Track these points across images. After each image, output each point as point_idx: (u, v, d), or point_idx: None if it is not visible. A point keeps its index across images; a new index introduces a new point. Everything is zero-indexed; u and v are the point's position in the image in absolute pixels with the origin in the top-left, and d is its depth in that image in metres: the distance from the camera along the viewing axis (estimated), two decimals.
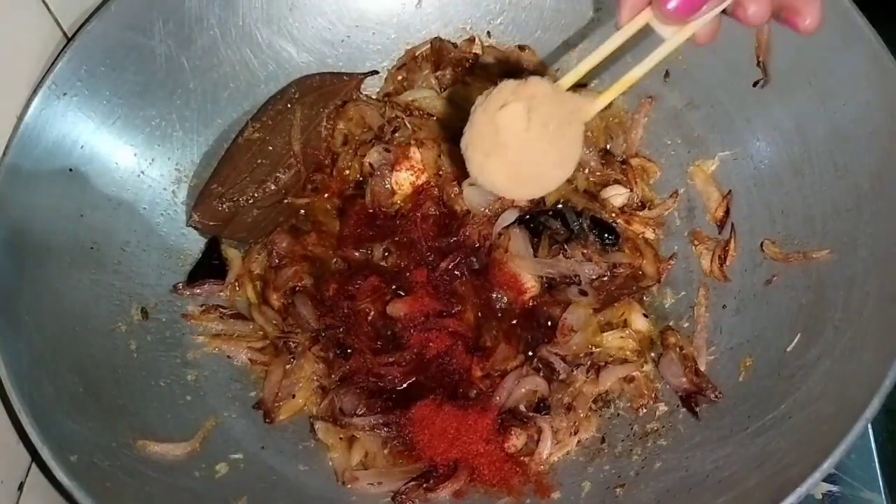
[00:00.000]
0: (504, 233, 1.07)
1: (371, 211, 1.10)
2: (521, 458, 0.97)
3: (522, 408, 0.99)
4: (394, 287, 1.04)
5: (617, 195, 1.11)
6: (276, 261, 1.08)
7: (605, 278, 1.05)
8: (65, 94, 0.99)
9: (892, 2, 1.09)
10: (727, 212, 1.07)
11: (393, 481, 0.95)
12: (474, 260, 1.06)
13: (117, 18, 1.02)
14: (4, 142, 0.94)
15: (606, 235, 1.07)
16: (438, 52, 1.19)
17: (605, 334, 1.02)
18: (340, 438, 0.97)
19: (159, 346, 1.02)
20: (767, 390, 0.92)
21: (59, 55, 0.99)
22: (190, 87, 1.11)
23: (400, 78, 1.20)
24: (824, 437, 0.80)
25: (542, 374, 1.00)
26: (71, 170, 1.00)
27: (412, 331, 1.02)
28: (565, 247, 1.05)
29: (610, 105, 1.16)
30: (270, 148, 1.13)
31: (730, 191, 1.08)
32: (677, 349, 1.02)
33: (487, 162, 0.78)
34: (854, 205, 0.95)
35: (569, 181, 0.94)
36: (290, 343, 1.02)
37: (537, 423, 0.97)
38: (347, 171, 1.15)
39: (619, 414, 1.01)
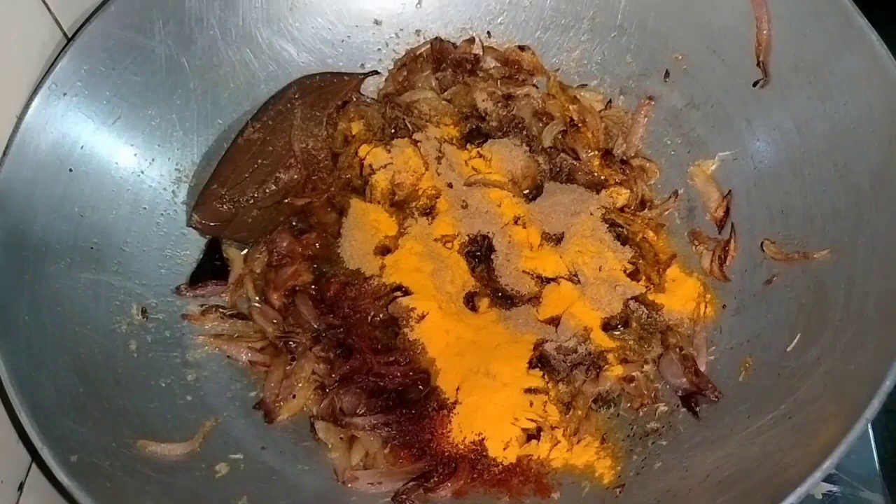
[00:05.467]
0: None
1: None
2: (522, 458, 0.97)
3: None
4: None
5: (617, 195, 1.11)
6: (277, 260, 1.08)
7: None
8: (65, 94, 0.99)
9: (892, 2, 1.09)
10: (727, 212, 1.07)
11: (393, 481, 0.95)
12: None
13: (117, 18, 1.02)
14: (4, 142, 0.94)
15: None
16: (439, 53, 1.19)
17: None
18: (340, 438, 0.97)
19: (159, 346, 1.02)
20: (767, 390, 0.92)
21: (59, 55, 0.99)
22: (190, 87, 1.11)
23: (401, 78, 1.20)
24: (824, 437, 0.80)
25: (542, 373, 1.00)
26: (71, 170, 1.00)
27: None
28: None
29: (610, 105, 1.18)
30: (270, 148, 1.13)
31: (730, 191, 1.08)
32: (677, 349, 1.02)
33: None
34: (854, 205, 0.95)
35: None
36: (291, 343, 1.02)
37: (537, 423, 0.97)
38: (348, 172, 1.15)
39: (619, 414, 1.01)
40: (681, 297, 1.05)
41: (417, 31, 1.21)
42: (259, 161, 1.12)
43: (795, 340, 0.93)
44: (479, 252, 1.09)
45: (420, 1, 1.20)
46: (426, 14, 1.21)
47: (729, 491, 0.84)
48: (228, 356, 1.04)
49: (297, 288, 1.07)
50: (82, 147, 1.01)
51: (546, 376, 1.00)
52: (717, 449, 0.90)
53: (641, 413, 1.00)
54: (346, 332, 1.03)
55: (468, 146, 1.15)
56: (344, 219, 1.10)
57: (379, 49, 1.21)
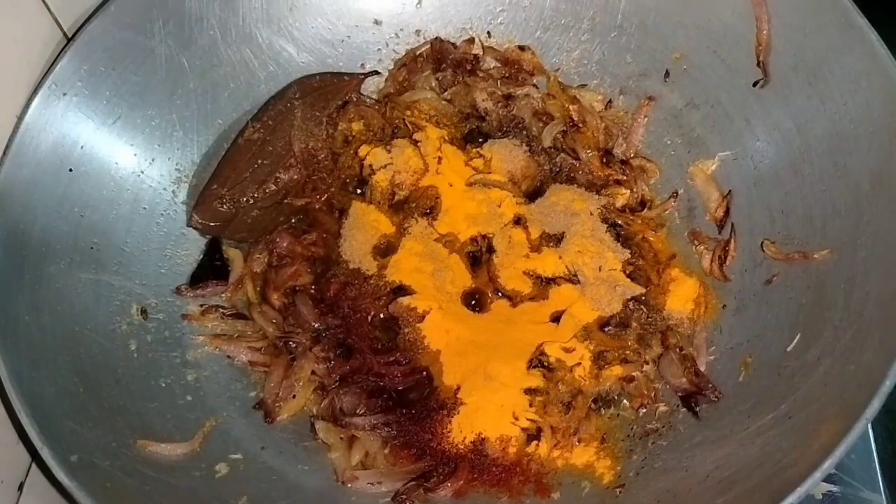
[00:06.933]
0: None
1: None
2: (522, 457, 0.97)
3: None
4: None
5: (617, 195, 1.11)
6: (277, 260, 1.08)
7: None
8: (65, 94, 0.99)
9: (892, 2, 1.09)
10: (727, 212, 1.07)
11: (393, 481, 0.95)
12: None
13: (117, 18, 1.02)
14: (4, 142, 0.94)
15: None
16: (439, 53, 1.19)
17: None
18: (341, 438, 0.97)
19: (159, 346, 1.02)
20: (767, 390, 0.92)
21: (59, 55, 0.99)
22: (190, 87, 1.11)
23: (401, 78, 1.20)
24: (824, 437, 0.80)
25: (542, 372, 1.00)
26: (71, 170, 1.00)
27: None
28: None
29: (610, 105, 1.18)
30: (270, 148, 1.13)
31: (730, 191, 1.08)
32: (677, 349, 1.02)
33: None
34: (854, 205, 0.95)
35: None
36: (291, 343, 1.02)
37: (537, 423, 0.97)
38: (348, 172, 1.15)
39: (619, 414, 1.01)
40: (681, 297, 1.05)
41: (417, 31, 1.21)
42: (259, 161, 1.12)
43: (795, 340, 0.93)
44: (479, 252, 1.09)
45: (420, 1, 1.20)
46: (426, 14, 1.21)
47: (729, 491, 0.84)
48: (228, 356, 1.04)
49: (297, 288, 1.07)
50: (82, 147, 1.01)
51: (546, 376, 1.00)
52: (717, 449, 0.90)
53: (641, 413, 1.00)
54: (346, 332, 1.03)
55: (468, 146, 1.16)
56: (344, 219, 1.10)
57: (379, 49, 1.21)
